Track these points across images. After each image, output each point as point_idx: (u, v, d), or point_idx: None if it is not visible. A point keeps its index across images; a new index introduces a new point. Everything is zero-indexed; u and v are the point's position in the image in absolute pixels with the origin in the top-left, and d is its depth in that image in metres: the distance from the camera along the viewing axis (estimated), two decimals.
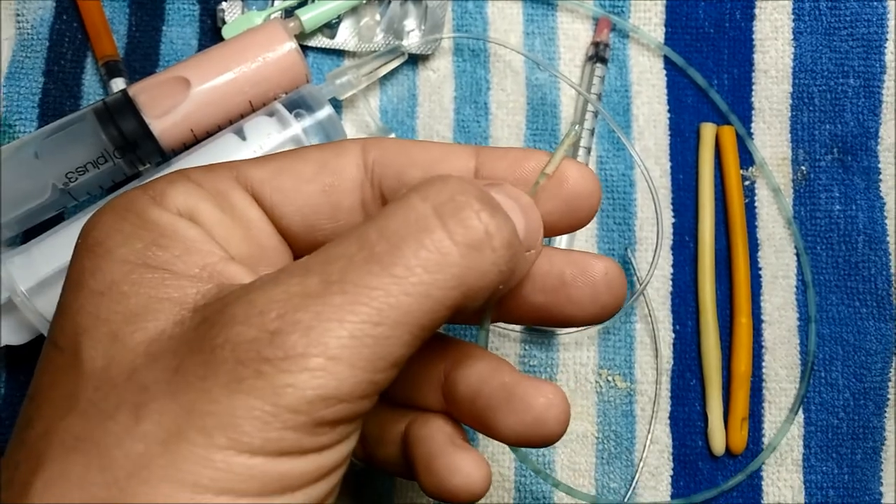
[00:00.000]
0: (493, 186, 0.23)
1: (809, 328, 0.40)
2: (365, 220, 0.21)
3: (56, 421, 0.19)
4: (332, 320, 0.19)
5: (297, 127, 0.36)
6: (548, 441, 0.24)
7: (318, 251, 0.21)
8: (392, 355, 0.20)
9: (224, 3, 0.40)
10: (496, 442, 0.29)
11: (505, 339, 0.40)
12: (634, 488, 0.39)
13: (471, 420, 0.25)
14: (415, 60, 0.41)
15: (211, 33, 0.41)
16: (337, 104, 0.41)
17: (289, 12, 0.40)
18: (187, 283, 0.21)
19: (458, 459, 0.24)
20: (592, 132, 0.40)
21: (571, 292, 0.24)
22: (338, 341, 0.18)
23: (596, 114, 0.40)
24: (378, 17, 0.41)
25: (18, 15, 0.41)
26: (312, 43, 0.41)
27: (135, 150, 0.36)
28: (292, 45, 0.37)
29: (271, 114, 0.36)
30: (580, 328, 0.40)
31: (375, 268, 0.19)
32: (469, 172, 0.25)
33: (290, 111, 0.36)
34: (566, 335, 0.40)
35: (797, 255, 0.41)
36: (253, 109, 0.37)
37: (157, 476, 0.18)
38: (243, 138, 0.36)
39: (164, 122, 0.36)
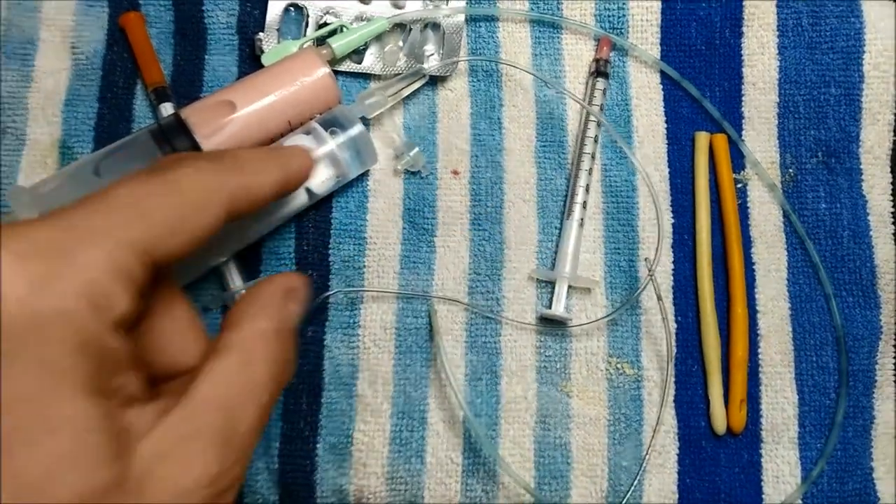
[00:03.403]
0: None
1: (831, 304, 0.44)
2: None
3: None
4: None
5: (332, 143, 0.40)
6: None
7: None
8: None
9: (262, 34, 0.44)
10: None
11: (522, 332, 0.43)
12: (645, 467, 0.42)
13: None
14: (434, 81, 0.45)
15: (249, 61, 0.45)
16: (364, 122, 0.45)
17: (321, 41, 0.44)
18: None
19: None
20: (596, 139, 0.44)
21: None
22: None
23: (599, 124, 0.44)
24: (401, 43, 0.45)
25: (74, 47, 0.45)
26: (342, 68, 0.45)
27: None
28: (326, 70, 0.41)
29: (308, 132, 0.40)
30: (591, 321, 0.43)
31: None
32: None
33: (326, 129, 0.40)
34: (577, 327, 0.43)
35: (801, 242, 0.45)
36: (291, 128, 0.41)
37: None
38: None
39: (212, 140, 0.40)
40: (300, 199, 0.41)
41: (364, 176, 0.44)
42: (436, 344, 0.42)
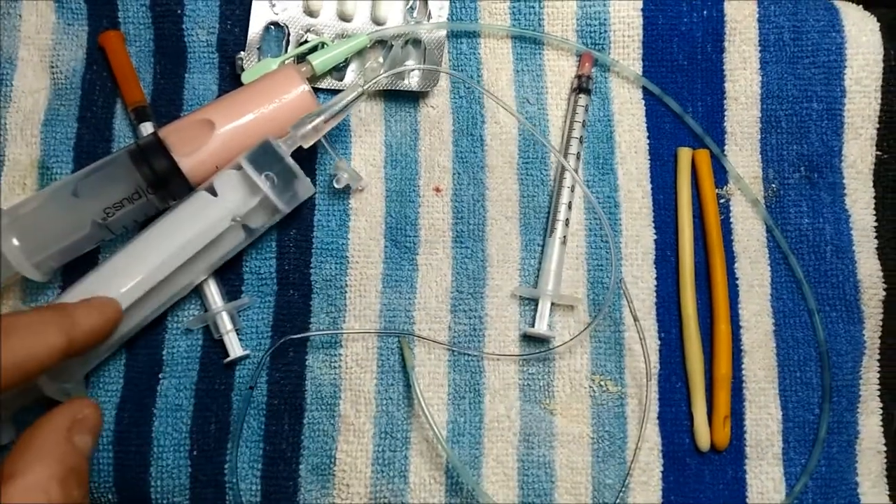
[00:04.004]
0: None
1: (814, 319, 0.44)
2: None
3: None
4: None
5: (263, 186, 0.39)
6: None
7: None
8: None
9: (242, 53, 0.44)
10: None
11: (504, 350, 0.43)
12: (627, 484, 0.42)
13: None
14: (416, 98, 0.45)
15: (230, 79, 0.45)
16: (346, 133, 0.44)
17: (301, 58, 0.44)
18: None
19: None
20: (578, 156, 0.44)
21: None
22: None
23: (581, 140, 0.44)
24: (381, 59, 0.45)
25: (53, 66, 0.45)
26: (323, 85, 0.44)
27: (166, 187, 0.39)
28: (305, 87, 0.41)
29: (238, 167, 0.39)
30: (573, 337, 0.43)
31: None
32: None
33: (257, 169, 0.39)
34: (561, 345, 0.43)
35: (784, 257, 0.45)
36: None
37: None
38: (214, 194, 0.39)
39: (192, 160, 0.39)
40: (238, 236, 0.41)
41: (345, 194, 0.44)
42: (411, 379, 0.42)
